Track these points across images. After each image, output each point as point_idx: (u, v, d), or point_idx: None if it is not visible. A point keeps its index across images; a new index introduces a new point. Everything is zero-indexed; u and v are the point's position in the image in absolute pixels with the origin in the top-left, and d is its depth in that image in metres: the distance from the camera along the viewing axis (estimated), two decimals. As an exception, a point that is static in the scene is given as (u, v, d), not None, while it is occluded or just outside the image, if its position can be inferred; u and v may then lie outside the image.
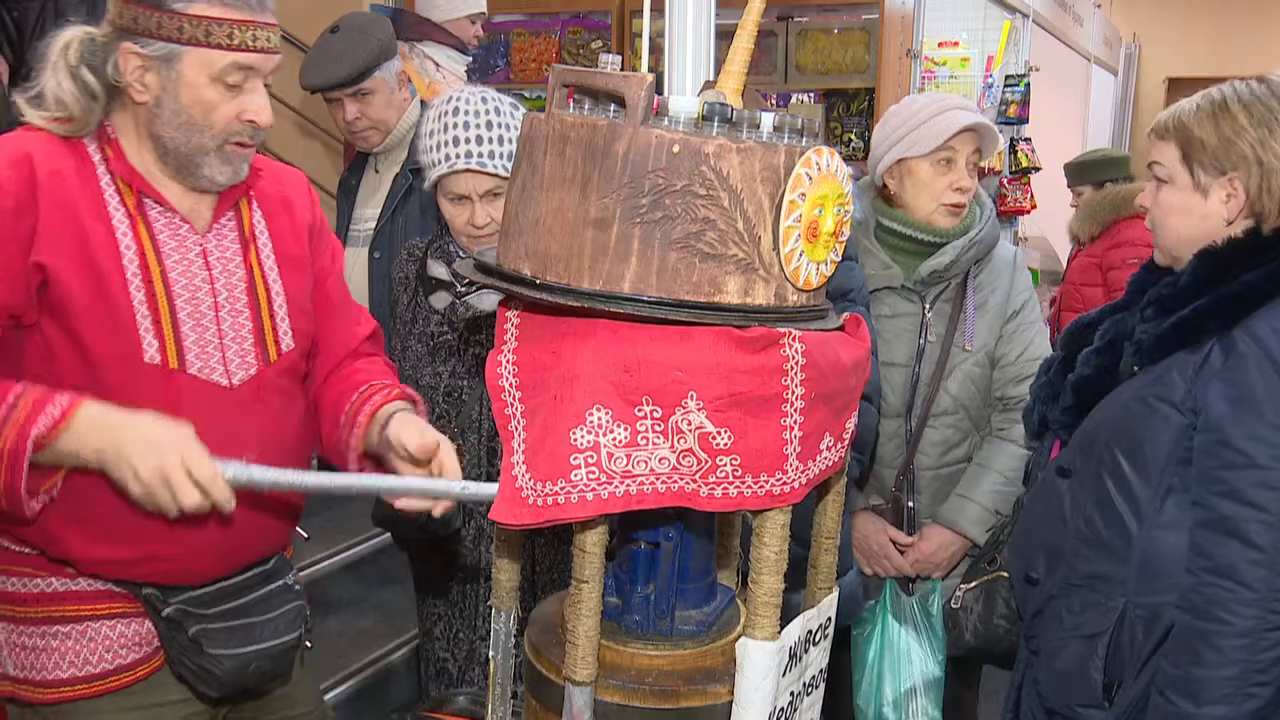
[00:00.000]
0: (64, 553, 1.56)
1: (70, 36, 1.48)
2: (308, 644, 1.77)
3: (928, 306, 2.30)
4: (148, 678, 1.62)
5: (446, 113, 2.06)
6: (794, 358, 1.18)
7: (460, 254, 2.14)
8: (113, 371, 1.48)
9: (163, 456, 1.36)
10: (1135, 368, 1.67)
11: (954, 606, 2.02)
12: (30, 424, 1.37)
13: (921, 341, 2.28)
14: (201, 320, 1.54)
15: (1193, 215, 1.66)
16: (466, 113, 2.04)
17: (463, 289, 2.12)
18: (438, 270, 2.18)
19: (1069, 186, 5.05)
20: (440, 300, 2.16)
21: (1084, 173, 4.94)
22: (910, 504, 2.31)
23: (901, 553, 2.32)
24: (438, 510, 1.49)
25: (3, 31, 2.81)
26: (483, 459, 2.14)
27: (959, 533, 2.26)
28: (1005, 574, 1.91)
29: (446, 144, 2.04)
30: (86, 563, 1.57)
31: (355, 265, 2.92)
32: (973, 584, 2.00)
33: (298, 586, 1.75)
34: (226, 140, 1.51)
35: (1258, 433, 1.53)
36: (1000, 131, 3.09)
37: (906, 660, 2.29)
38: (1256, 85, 1.64)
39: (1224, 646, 1.51)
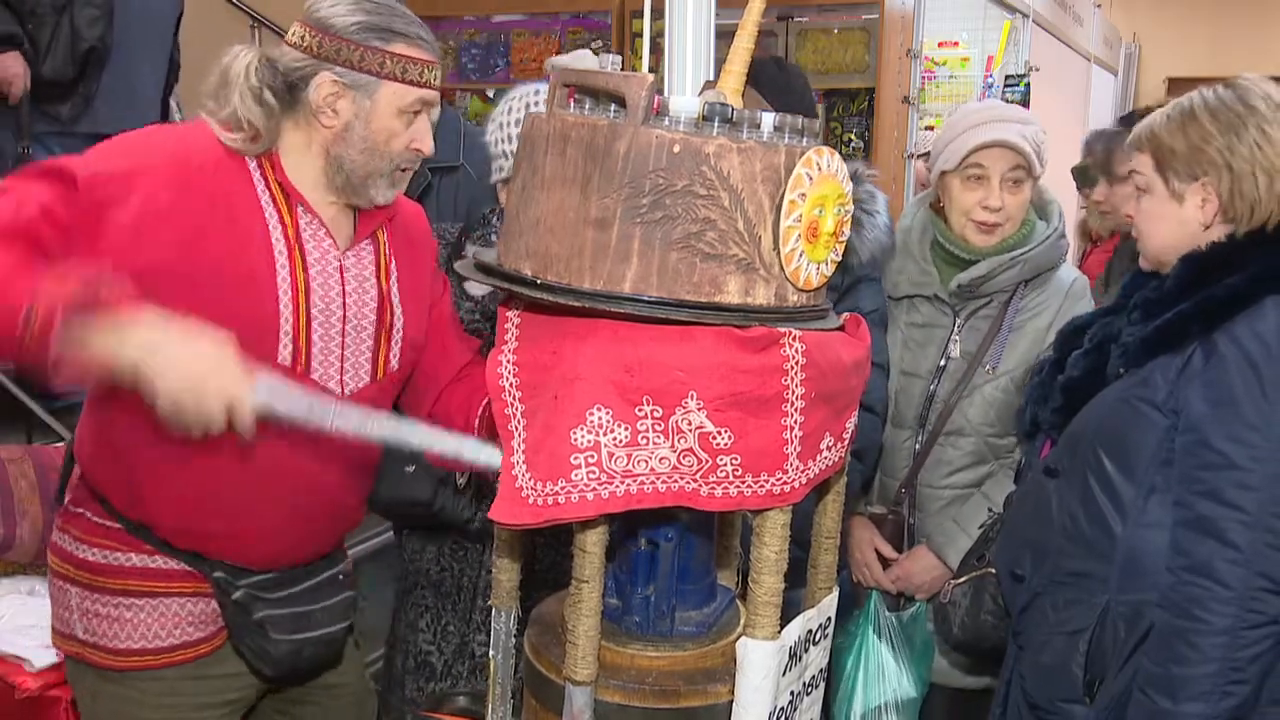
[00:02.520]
0: (146, 516, 1.64)
1: (249, 60, 1.58)
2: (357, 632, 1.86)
3: (959, 321, 2.23)
4: (210, 654, 1.71)
5: (534, 104, 2.07)
6: (794, 357, 1.18)
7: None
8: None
9: (202, 372, 1.34)
10: (1121, 370, 1.70)
11: (942, 601, 2.01)
12: (101, 286, 1.36)
13: (943, 358, 2.22)
14: (330, 330, 1.65)
15: (1171, 221, 1.69)
16: None
17: None
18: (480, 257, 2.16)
19: (1079, 189, 5.02)
20: (477, 287, 2.13)
21: (1092, 174, 4.92)
22: (911, 520, 2.28)
23: (886, 566, 2.30)
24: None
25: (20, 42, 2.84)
26: None
27: (945, 561, 2.21)
28: (994, 570, 1.92)
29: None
30: (166, 530, 1.65)
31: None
32: (962, 580, 1.99)
33: (344, 577, 1.84)
34: (397, 166, 1.63)
35: (1236, 434, 1.54)
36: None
37: (880, 676, 2.26)
38: (1223, 91, 1.67)
39: (1202, 644, 1.53)
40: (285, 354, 1.60)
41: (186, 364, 1.34)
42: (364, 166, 1.60)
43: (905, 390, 2.25)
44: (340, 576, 1.81)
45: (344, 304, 1.66)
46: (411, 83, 1.58)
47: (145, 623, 1.67)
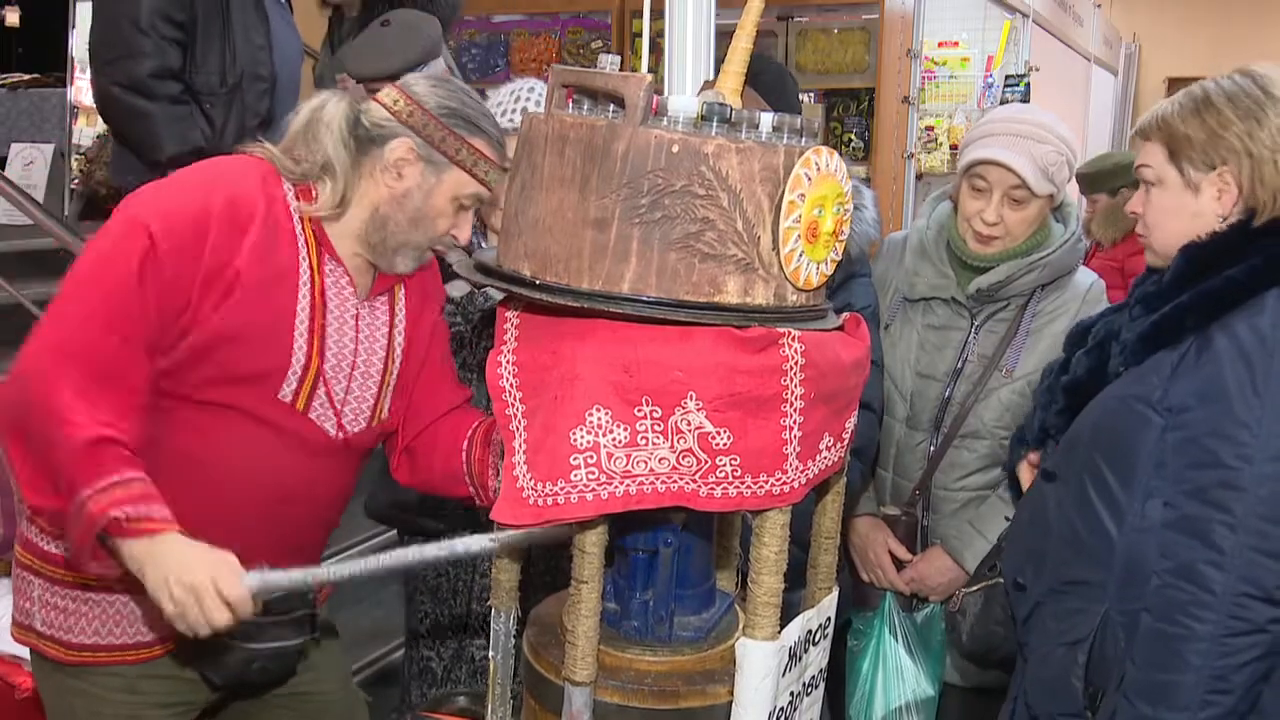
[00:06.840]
0: None
1: (336, 109, 1.64)
2: (315, 639, 1.82)
3: (976, 324, 2.22)
4: (162, 656, 1.72)
5: (521, 96, 2.12)
6: (793, 358, 1.17)
7: (483, 243, 2.13)
8: (246, 394, 1.61)
9: (196, 575, 1.45)
10: (1121, 368, 1.63)
11: (952, 609, 1.99)
12: (126, 505, 1.46)
13: (960, 361, 2.21)
14: (338, 375, 1.69)
15: (1185, 214, 1.62)
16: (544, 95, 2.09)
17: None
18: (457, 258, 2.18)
19: (1082, 193, 5.00)
20: (457, 289, 2.15)
21: (1097, 181, 4.89)
22: (924, 522, 2.27)
23: (900, 568, 2.29)
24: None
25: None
26: None
27: (960, 564, 2.20)
28: (1004, 579, 1.88)
29: (512, 111, 2.08)
30: None
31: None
32: (974, 588, 1.96)
33: (311, 595, 1.80)
34: (431, 245, 1.71)
35: (1224, 431, 1.48)
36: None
37: (899, 677, 2.25)
38: (1239, 78, 1.61)
39: (1183, 651, 1.47)
40: (287, 392, 1.63)
41: (185, 577, 1.44)
42: (403, 234, 1.66)
43: (921, 392, 2.24)
44: (305, 593, 1.78)
45: (355, 351, 1.70)
46: (477, 178, 1.66)
47: (100, 619, 1.69)
